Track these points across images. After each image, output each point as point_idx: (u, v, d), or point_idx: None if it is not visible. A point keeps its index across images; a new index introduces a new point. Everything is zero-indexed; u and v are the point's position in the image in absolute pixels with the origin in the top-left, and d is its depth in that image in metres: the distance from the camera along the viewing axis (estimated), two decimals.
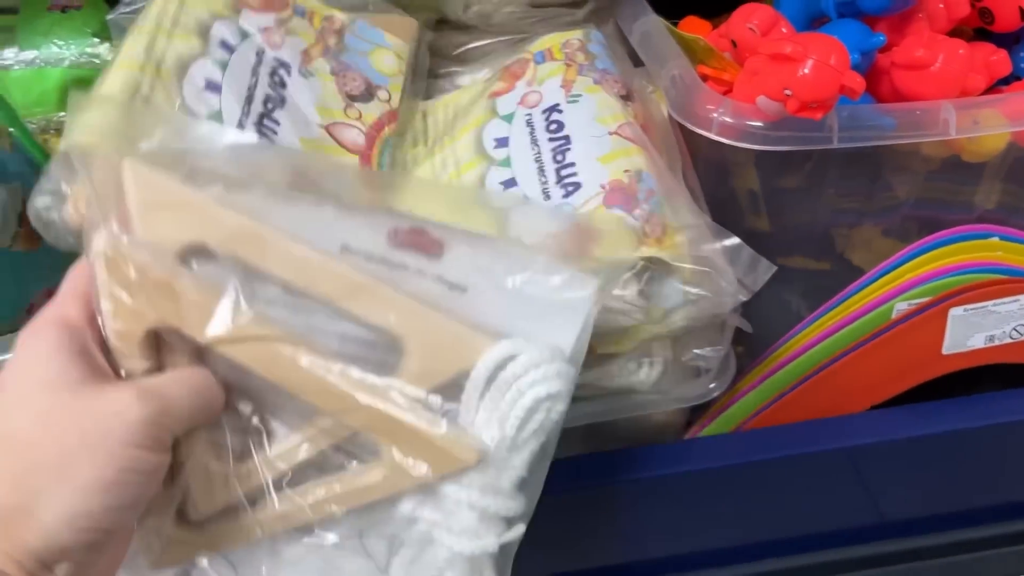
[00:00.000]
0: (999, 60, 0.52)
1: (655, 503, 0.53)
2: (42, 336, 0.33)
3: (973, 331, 0.51)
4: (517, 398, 0.36)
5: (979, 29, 0.56)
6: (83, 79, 0.54)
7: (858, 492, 0.55)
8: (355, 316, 0.36)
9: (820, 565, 0.58)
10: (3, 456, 0.30)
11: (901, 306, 0.51)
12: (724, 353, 0.49)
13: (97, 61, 0.53)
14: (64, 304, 0.34)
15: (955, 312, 0.50)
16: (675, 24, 0.59)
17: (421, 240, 0.37)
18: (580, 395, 0.50)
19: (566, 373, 0.37)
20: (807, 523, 0.57)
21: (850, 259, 0.60)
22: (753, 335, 0.55)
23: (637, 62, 0.57)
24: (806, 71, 0.41)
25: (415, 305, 0.36)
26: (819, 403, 0.53)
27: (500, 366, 0.36)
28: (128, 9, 0.53)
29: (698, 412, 0.58)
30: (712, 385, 0.50)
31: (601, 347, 0.47)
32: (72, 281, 0.35)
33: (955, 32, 0.55)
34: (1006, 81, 0.54)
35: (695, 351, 0.48)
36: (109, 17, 0.52)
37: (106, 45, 0.54)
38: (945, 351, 0.52)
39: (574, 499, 0.51)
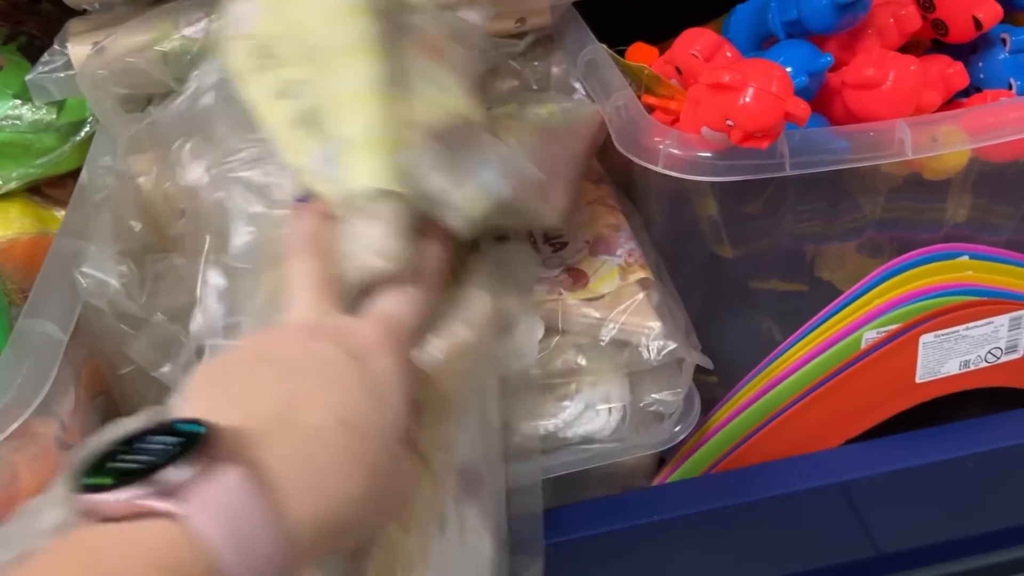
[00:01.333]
0: (955, 73, 0.50)
1: (626, 553, 0.50)
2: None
3: (946, 357, 0.49)
4: None
5: (936, 41, 0.54)
6: (5, 142, 0.51)
7: (838, 528, 0.52)
8: None
9: None
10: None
11: (870, 335, 0.49)
12: (684, 395, 0.46)
13: (19, 123, 0.51)
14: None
15: (925, 339, 0.48)
16: (622, 51, 0.57)
17: None
18: (541, 448, 0.48)
19: None
20: (787, 563, 0.54)
21: (824, 278, 0.58)
22: (728, 363, 0.52)
23: None
24: (747, 100, 0.39)
25: None
26: (791, 440, 0.51)
27: None
28: (48, 68, 0.50)
29: (671, 451, 0.56)
30: (676, 429, 0.48)
31: (557, 388, 0.45)
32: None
33: (910, 46, 0.54)
34: (966, 93, 0.53)
35: (653, 396, 0.46)
36: (28, 77, 0.50)
37: (28, 106, 0.51)
38: (919, 379, 0.49)
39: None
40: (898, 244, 0.53)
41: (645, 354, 0.45)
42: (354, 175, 0.35)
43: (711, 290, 0.56)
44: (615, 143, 0.49)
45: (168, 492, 0.25)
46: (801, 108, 0.39)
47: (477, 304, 0.40)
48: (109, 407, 0.49)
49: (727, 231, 0.55)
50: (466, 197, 0.37)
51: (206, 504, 0.25)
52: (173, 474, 0.25)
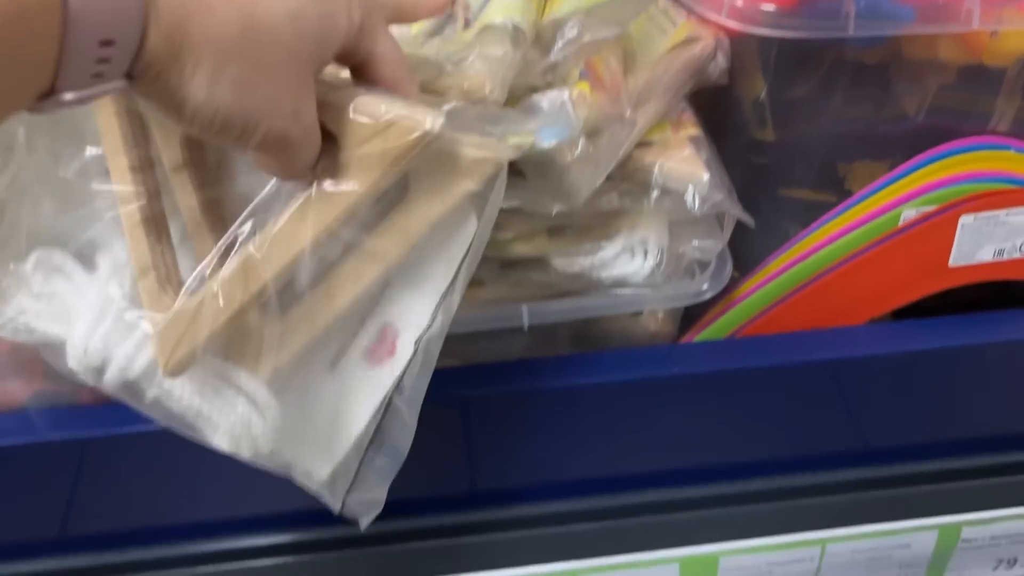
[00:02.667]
0: None
1: (640, 406, 0.51)
2: None
3: (982, 242, 0.49)
4: None
5: None
6: None
7: (851, 407, 0.53)
8: None
9: (802, 487, 0.56)
10: None
11: (909, 213, 0.49)
12: (721, 247, 0.46)
13: None
14: None
15: (965, 220, 0.48)
16: None
17: None
18: (572, 289, 0.48)
19: None
20: (789, 443, 0.55)
21: (852, 191, 0.58)
22: (750, 262, 0.53)
23: None
24: None
25: None
26: (817, 313, 0.51)
27: None
28: None
29: (689, 326, 0.56)
30: (706, 286, 0.48)
31: (595, 230, 0.45)
32: None
33: None
34: None
35: (695, 242, 0.46)
36: None
37: None
38: (952, 263, 0.49)
39: (556, 398, 0.49)
40: None
41: (689, 202, 0.45)
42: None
43: (740, 193, 0.56)
44: None
45: None
46: None
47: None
48: None
49: (773, 113, 0.55)
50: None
51: None
52: None
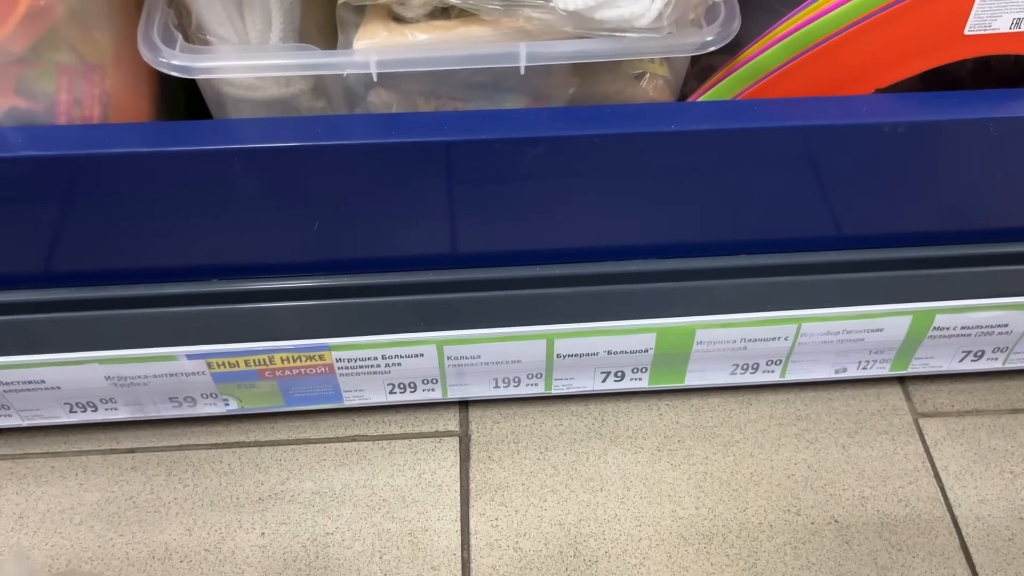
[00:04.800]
0: None
1: (634, 167, 0.50)
2: None
3: (1002, 9, 0.47)
4: None
5: None
6: None
7: (834, 186, 0.52)
8: None
9: (781, 266, 0.57)
10: None
11: None
12: None
13: None
14: None
15: None
16: None
17: None
18: (573, 33, 0.46)
19: None
20: (772, 220, 0.54)
21: None
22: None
23: None
24: None
25: None
26: (823, 77, 0.49)
27: None
28: None
29: (697, 84, 0.54)
30: (711, 37, 0.46)
31: None
32: None
33: None
34: None
35: None
36: None
37: None
38: (968, 30, 0.47)
39: (546, 153, 0.48)
40: None
41: None
42: None
43: None
44: None
45: None
46: None
47: None
48: None
49: None
50: None
51: None
52: None
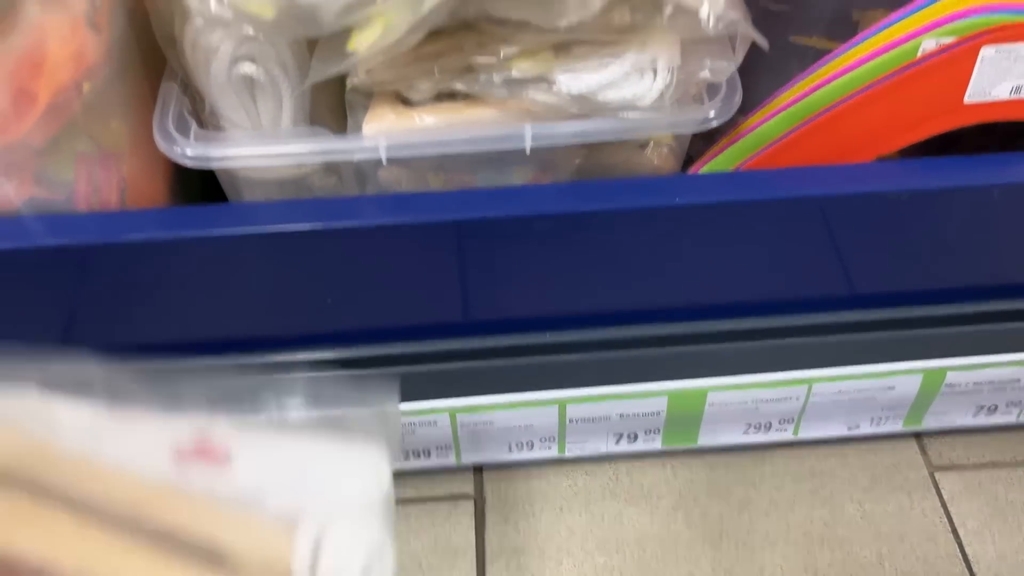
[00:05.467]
0: None
1: (641, 238, 0.50)
2: None
3: (1001, 77, 0.47)
4: None
5: None
6: None
7: (853, 246, 0.52)
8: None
9: (791, 327, 0.57)
10: None
11: (928, 44, 0.47)
12: (733, 70, 0.45)
13: None
14: None
15: (986, 52, 0.46)
16: None
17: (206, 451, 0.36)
18: (576, 113, 0.47)
19: (380, 519, 0.36)
20: (781, 283, 0.55)
21: None
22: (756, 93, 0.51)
23: None
24: None
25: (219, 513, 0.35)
26: (825, 147, 0.50)
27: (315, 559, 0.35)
28: None
29: (700, 152, 0.55)
30: (712, 113, 0.47)
31: (602, 47, 0.43)
32: None
33: None
34: None
35: (706, 62, 0.44)
36: None
37: None
38: (967, 99, 0.48)
39: (554, 228, 0.49)
40: None
41: (704, 20, 0.43)
42: None
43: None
44: None
45: None
46: None
47: None
48: (138, 11, 0.47)
49: None
50: None
51: None
52: None
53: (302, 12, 0.41)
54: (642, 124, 0.46)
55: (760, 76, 0.55)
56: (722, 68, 0.45)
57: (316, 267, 0.49)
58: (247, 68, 0.46)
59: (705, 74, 0.45)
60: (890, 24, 0.49)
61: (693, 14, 0.43)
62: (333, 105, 0.51)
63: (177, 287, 0.49)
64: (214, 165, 0.45)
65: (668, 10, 0.43)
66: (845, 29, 0.55)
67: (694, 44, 0.45)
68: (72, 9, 0.41)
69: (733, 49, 0.46)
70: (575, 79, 0.45)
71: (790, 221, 0.50)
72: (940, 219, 0.51)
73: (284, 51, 0.46)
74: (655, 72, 0.44)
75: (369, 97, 0.49)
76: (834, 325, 0.57)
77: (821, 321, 0.57)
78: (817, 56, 0.54)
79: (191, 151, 0.45)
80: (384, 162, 0.46)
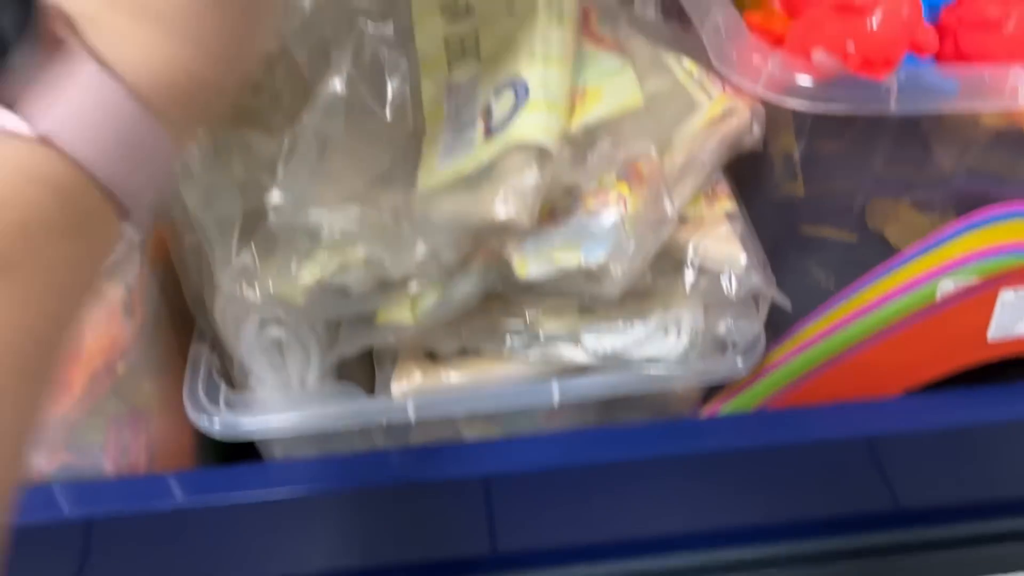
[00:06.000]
0: None
1: (668, 480, 0.50)
2: None
3: (1021, 314, 0.48)
4: None
5: None
6: None
7: (888, 479, 0.52)
8: None
9: (828, 552, 0.56)
10: None
11: (947, 285, 0.48)
12: (758, 330, 0.45)
13: None
14: None
15: (1006, 296, 0.47)
16: None
17: None
18: (601, 366, 0.47)
19: None
20: (820, 508, 0.54)
21: (879, 232, 0.57)
22: (774, 309, 0.51)
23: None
24: (875, 24, 0.38)
25: None
26: (851, 384, 0.50)
27: None
28: None
29: (717, 388, 0.55)
30: (740, 364, 0.47)
31: (627, 307, 0.44)
32: None
33: None
34: None
35: (730, 322, 0.45)
36: None
37: None
38: (990, 337, 0.48)
39: (573, 475, 0.48)
40: (967, 206, 0.52)
41: (726, 286, 0.44)
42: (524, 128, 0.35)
43: (763, 234, 0.55)
44: (712, 62, 0.47)
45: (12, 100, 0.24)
46: (930, 37, 0.38)
47: None
48: (169, 277, 0.48)
49: (804, 169, 0.54)
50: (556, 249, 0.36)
51: (61, 109, 0.24)
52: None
53: (331, 299, 0.42)
54: (668, 378, 0.46)
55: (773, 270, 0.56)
56: (745, 328, 0.45)
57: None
58: (276, 332, 0.47)
59: (729, 335, 0.45)
60: (909, 259, 0.50)
61: (715, 279, 0.44)
62: (360, 356, 0.51)
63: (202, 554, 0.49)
64: (243, 439, 0.45)
65: (690, 275, 0.44)
66: (851, 217, 0.55)
67: (718, 304, 0.46)
68: (108, 300, 0.42)
69: (756, 306, 0.46)
70: (601, 339, 0.45)
71: (820, 459, 0.50)
72: (975, 449, 0.51)
73: None
74: (679, 331, 0.45)
75: (395, 350, 0.49)
76: (869, 548, 0.56)
77: (856, 544, 0.56)
78: (830, 248, 0.55)
79: (219, 424, 0.45)
80: (413, 423, 0.46)
